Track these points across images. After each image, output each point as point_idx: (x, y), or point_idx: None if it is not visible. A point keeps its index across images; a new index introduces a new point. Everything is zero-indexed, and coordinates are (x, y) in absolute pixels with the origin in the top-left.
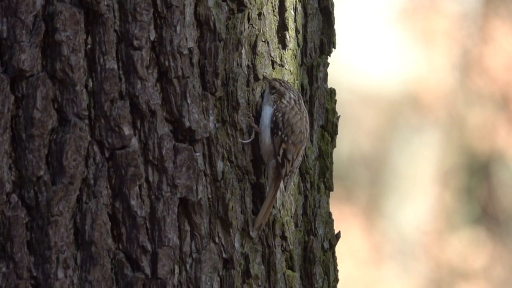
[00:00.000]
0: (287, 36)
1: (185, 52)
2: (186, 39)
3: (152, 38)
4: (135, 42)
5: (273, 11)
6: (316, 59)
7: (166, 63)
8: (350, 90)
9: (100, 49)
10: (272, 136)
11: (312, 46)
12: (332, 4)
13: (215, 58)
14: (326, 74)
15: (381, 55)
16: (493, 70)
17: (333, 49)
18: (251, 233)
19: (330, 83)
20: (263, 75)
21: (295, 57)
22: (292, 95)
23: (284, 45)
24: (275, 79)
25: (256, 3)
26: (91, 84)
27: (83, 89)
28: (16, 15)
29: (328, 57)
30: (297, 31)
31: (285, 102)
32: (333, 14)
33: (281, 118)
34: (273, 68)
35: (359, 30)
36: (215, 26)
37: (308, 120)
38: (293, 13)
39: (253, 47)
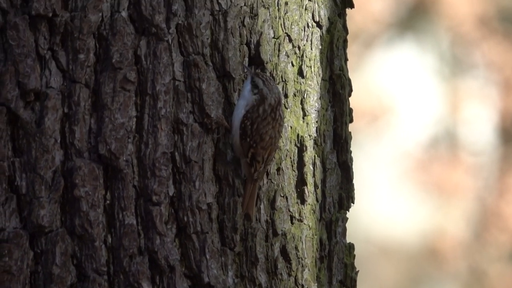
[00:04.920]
0: (306, 191)
1: (204, 207)
2: (205, 194)
3: (171, 193)
4: (154, 198)
5: (292, 166)
6: (334, 214)
7: (185, 218)
8: (367, 241)
9: (119, 205)
10: (241, 140)
11: (330, 201)
12: (351, 159)
13: (234, 213)
14: (344, 229)
15: (397, 206)
16: (510, 221)
17: (351, 204)
18: None
19: (347, 234)
20: (245, 66)
21: (314, 212)
22: (272, 101)
23: (302, 200)
24: (257, 75)
25: (274, 158)
26: (110, 239)
27: (102, 244)
28: (36, 170)
29: (347, 212)
30: (315, 186)
31: (260, 111)
32: (352, 169)
33: (249, 127)
34: (292, 223)
35: (375, 181)
36: (234, 181)
37: (282, 124)
38: (311, 168)
39: (272, 202)
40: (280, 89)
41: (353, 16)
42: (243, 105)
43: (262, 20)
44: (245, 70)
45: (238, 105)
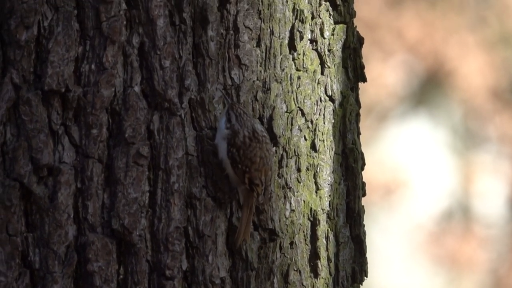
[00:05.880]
0: (319, 265)
1: (217, 281)
2: (218, 268)
3: (184, 268)
4: (167, 272)
5: (305, 240)
6: None
7: None
8: None
9: (133, 279)
10: (233, 168)
11: (344, 274)
12: (364, 233)
13: (247, 287)
14: None
15: (411, 279)
16: None
17: (365, 277)
18: None
19: None
20: (225, 97)
21: (327, 285)
22: (246, 133)
23: (316, 274)
24: (233, 108)
25: (288, 232)
26: None
27: None
28: (49, 245)
29: (360, 285)
30: (329, 259)
31: (238, 142)
32: (365, 242)
33: (237, 153)
34: None
35: (389, 254)
36: (247, 255)
37: (268, 142)
38: (325, 241)
39: (285, 276)
40: (262, 127)
41: (366, 90)
42: (221, 136)
43: (275, 94)
44: (225, 101)
45: (217, 136)
